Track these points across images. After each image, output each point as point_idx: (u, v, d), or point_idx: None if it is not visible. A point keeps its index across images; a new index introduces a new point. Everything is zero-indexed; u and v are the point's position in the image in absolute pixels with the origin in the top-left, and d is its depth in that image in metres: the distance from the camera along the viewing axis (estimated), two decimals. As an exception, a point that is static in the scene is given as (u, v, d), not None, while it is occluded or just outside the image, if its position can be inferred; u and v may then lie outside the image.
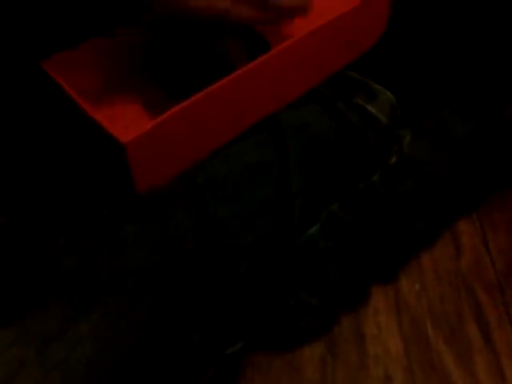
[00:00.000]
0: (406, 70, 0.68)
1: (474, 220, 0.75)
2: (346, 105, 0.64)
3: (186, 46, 0.55)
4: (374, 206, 0.67)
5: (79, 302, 0.48)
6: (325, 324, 0.66)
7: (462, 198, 0.73)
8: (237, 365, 0.63)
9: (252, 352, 0.64)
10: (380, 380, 0.62)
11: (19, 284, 0.49)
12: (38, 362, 0.44)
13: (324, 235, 0.64)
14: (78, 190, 0.56)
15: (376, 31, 0.64)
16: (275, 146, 0.58)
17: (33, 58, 0.49)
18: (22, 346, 0.45)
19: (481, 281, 0.70)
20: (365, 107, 0.64)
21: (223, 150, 0.56)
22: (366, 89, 0.65)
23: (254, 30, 0.58)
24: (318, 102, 0.63)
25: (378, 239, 0.68)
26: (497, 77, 0.69)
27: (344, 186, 0.65)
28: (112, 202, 0.53)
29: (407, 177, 0.69)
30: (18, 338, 0.45)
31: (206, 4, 0.48)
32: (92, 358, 0.46)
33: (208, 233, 0.53)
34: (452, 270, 0.71)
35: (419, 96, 0.69)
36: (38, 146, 0.54)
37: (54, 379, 0.44)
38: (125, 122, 0.53)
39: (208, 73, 0.54)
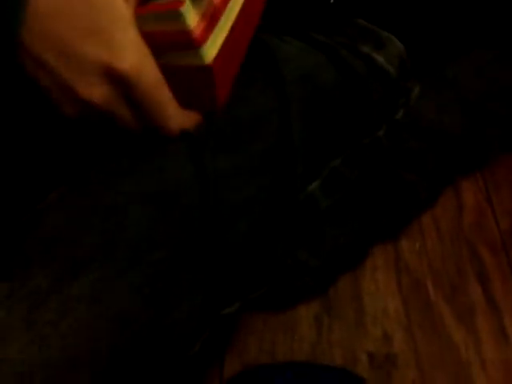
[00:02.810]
0: (416, 17, 0.64)
1: (478, 178, 0.73)
2: (352, 54, 0.60)
3: None
4: (378, 163, 0.64)
5: (71, 262, 0.44)
6: (322, 285, 0.64)
7: (466, 158, 0.70)
8: (232, 324, 0.60)
9: (246, 312, 0.62)
10: (378, 339, 0.60)
11: (4, 243, 0.46)
12: (27, 327, 0.41)
13: (325, 192, 0.61)
14: (70, 142, 0.54)
15: None
16: (276, 96, 0.55)
17: None
18: (8, 309, 0.42)
19: (484, 239, 0.68)
20: (372, 56, 0.60)
21: None
22: (373, 37, 0.61)
23: None
24: (322, 51, 0.60)
25: (381, 197, 0.66)
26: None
27: (348, 140, 0.62)
28: (105, 158, 0.50)
29: (414, 134, 0.66)
30: (3, 301, 0.42)
31: None
32: (86, 323, 0.42)
33: (206, 187, 0.50)
34: (454, 228, 0.69)
35: (430, 45, 0.66)
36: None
37: (43, 345, 0.41)
38: None
39: None
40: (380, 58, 0.60)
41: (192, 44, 0.44)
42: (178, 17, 0.43)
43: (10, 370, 0.40)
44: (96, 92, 0.43)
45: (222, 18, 0.47)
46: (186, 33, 0.43)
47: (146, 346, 0.46)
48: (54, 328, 0.42)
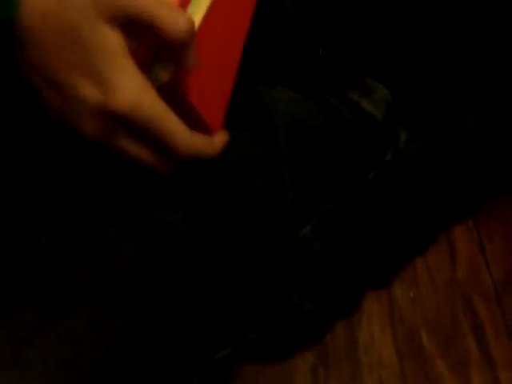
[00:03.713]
0: (401, 65, 0.66)
1: (471, 228, 0.73)
2: (340, 100, 0.62)
3: None
4: (368, 207, 0.65)
5: (60, 301, 0.45)
6: (317, 331, 0.64)
7: (459, 200, 0.71)
8: (226, 374, 0.60)
9: (242, 361, 0.61)
10: (374, 390, 0.60)
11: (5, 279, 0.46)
12: (15, 362, 0.42)
13: (317, 236, 0.62)
14: (62, 185, 0.54)
15: None
16: (266, 141, 0.56)
17: None
18: None
19: (478, 290, 0.68)
20: (359, 103, 0.62)
21: None
22: (360, 84, 0.63)
23: None
24: (310, 98, 0.61)
25: (373, 242, 0.66)
26: (497, 72, 0.67)
27: (338, 185, 0.63)
28: (97, 199, 0.51)
29: (402, 177, 0.68)
30: None
31: None
32: (72, 360, 0.43)
33: (198, 228, 0.50)
34: (448, 278, 0.69)
35: (416, 92, 0.67)
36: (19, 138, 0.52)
37: (30, 380, 0.41)
38: None
39: None
40: (367, 105, 0.62)
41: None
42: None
43: None
44: (91, 127, 0.41)
45: None
46: None
47: None
48: (40, 367, 0.43)
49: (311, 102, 0.61)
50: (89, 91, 0.39)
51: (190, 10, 0.45)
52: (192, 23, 0.40)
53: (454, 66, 0.67)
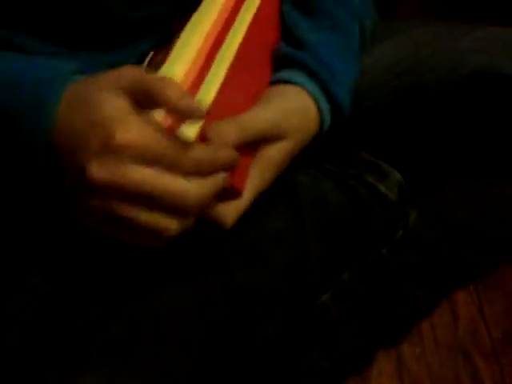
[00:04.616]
0: (412, 153, 0.73)
1: (471, 291, 0.80)
2: (358, 182, 0.69)
3: None
4: (381, 276, 0.72)
5: (123, 366, 0.52)
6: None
7: (460, 271, 0.77)
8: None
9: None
10: None
11: (68, 346, 0.53)
12: None
13: (335, 302, 0.68)
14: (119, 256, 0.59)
15: None
16: (293, 218, 0.63)
17: None
18: None
19: (477, 347, 0.74)
20: (375, 185, 0.69)
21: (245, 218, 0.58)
22: (376, 168, 0.70)
23: None
24: (332, 179, 0.68)
25: (384, 306, 0.72)
26: (496, 156, 0.72)
27: (355, 257, 0.70)
28: (148, 270, 0.57)
29: (411, 251, 0.74)
30: None
31: None
32: None
33: (234, 299, 0.57)
34: (450, 336, 0.76)
35: (425, 176, 0.74)
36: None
37: None
38: None
39: None
40: (382, 187, 0.69)
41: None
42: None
43: None
44: (98, 172, 0.43)
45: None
46: None
47: None
48: None
49: (332, 183, 0.68)
50: (94, 135, 0.44)
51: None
52: (177, 84, 0.45)
53: (458, 153, 0.73)
